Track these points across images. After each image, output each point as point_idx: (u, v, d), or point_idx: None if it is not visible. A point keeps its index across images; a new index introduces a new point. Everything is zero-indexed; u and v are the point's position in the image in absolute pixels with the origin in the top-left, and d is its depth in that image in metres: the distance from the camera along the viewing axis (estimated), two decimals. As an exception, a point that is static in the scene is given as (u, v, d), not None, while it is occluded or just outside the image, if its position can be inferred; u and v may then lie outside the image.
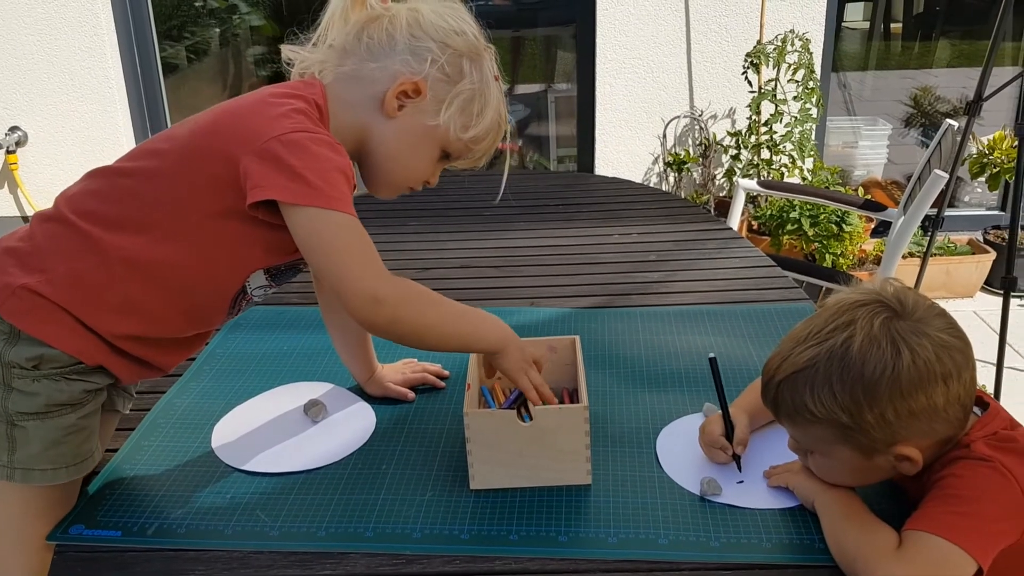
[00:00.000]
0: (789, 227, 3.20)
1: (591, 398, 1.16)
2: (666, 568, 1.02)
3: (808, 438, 1.05)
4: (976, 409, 1.07)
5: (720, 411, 1.20)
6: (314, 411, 1.34)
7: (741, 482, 1.15)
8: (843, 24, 3.99)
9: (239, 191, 1.05)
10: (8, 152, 3.55)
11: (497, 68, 1.18)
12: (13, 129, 3.55)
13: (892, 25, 4.88)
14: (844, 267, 3.22)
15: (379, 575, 1.03)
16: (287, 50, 1.17)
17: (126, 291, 1.09)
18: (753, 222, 3.45)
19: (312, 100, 1.10)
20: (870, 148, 4.15)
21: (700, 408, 1.32)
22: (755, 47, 3.34)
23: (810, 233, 3.17)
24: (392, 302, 1.06)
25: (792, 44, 3.31)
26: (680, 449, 1.23)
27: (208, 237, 1.09)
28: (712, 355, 1.20)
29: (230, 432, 1.31)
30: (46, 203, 3.78)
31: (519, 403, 1.23)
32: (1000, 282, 3.41)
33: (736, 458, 1.18)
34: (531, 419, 1.14)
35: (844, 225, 3.15)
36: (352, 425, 1.32)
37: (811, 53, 3.32)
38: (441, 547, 1.07)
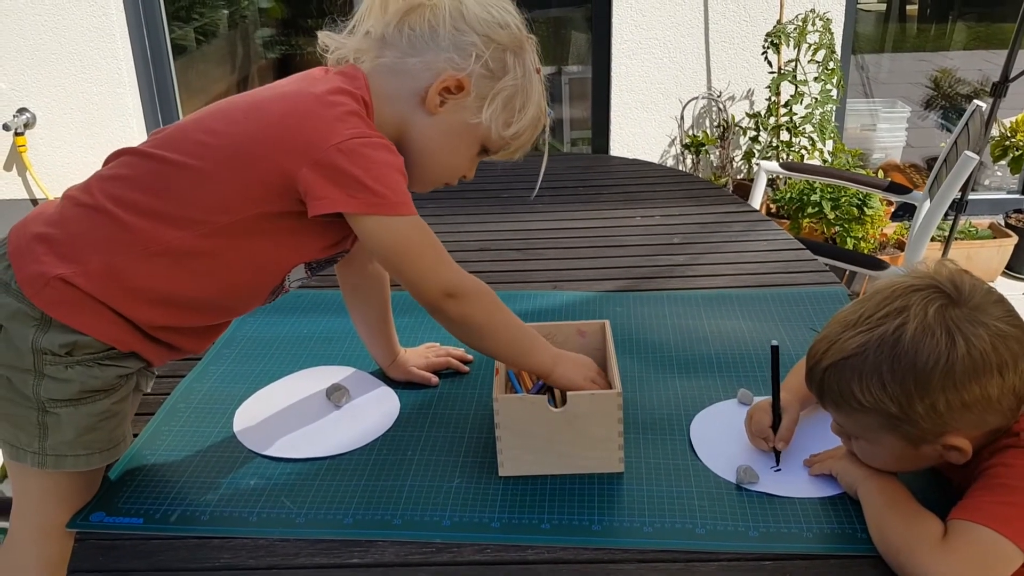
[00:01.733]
0: (810, 210, 3.15)
1: (622, 384, 1.13)
2: (704, 559, 0.99)
3: (853, 425, 1.02)
4: (1025, 396, 1.03)
5: (769, 399, 1.16)
6: (337, 395, 1.31)
7: (778, 470, 1.12)
8: (859, 6, 3.93)
9: (295, 198, 1.03)
10: (16, 134, 3.51)
11: (538, 59, 1.15)
12: (21, 111, 3.52)
13: (908, 7, 4.82)
14: (865, 251, 3.18)
15: (410, 563, 1.01)
16: (324, 36, 1.12)
17: (167, 285, 1.07)
18: (772, 205, 3.41)
19: (360, 96, 1.07)
20: (888, 131, 4.09)
21: (733, 394, 1.28)
22: (775, 27, 3.28)
23: (831, 216, 3.12)
24: (465, 297, 1.08)
25: (813, 24, 3.25)
26: (714, 436, 1.20)
27: (257, 235, 1.07)
28: (775, 343, 1.15)
29: (252, 417, 1.28)
30: (54, 185, 3.75)
31: (549, 388, 1.20)
32: (1022, 266, 3.38)
33: (776, 451, 1.14)
34: (557, 406, 1.11)
35: (866, 208, 3.10)
36: (376, 410, 1.30)
37: (832, 33, 3.26)
38: (471, 535, 1.04)
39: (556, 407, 1.11)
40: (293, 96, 1.07)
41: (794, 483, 1.10)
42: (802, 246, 1.81)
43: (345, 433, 1.24)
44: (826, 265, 1.76)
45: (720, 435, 1.20)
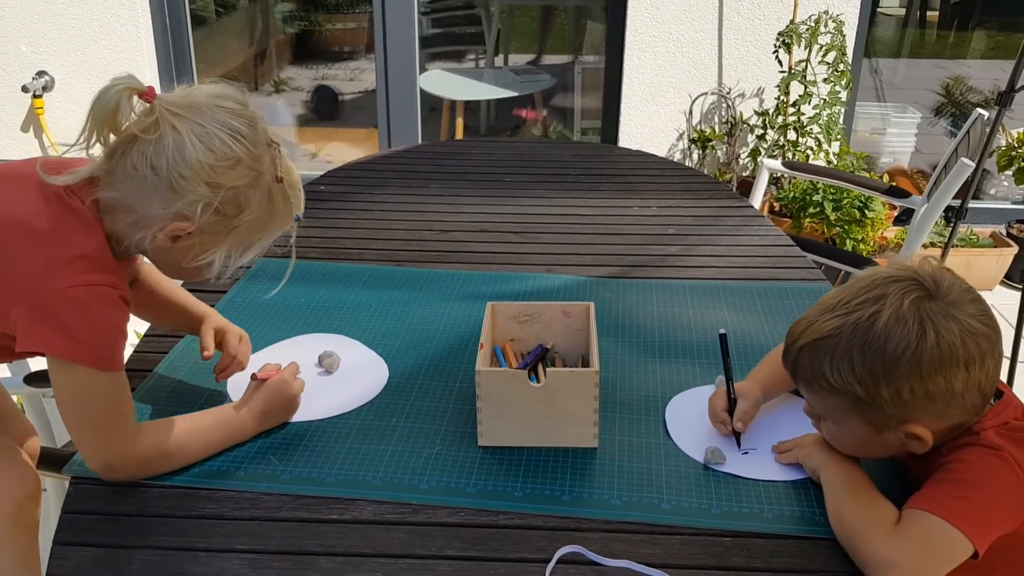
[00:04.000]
0: (811, 210, 3.18)
1: (603, 365, 1.17)
2: (667, 532, 1.04)
3: (822, 405, 1.06)
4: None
5: (725, 387, 1.21)
6: (328, 362, 1.36)
7: (746, 453, 1.16)
8: (879, 10, 3.93)
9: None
10: (35, 96, 3.57)
11: (279, 167, 1.10)
12: (40, 73, 3.57)
13: (928, 13, 4.81)
14: (865, 253, 3.21)
15: (385, 522, 1.06)
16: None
17: None
18: (775, 204, 3.44)
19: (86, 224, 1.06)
20: (898, 136, 4.10)
21: (711, 380, 1.33)
22: (788, 26, 3.30)
23: (832, 217, 3.15)
24: (127, 471, 1.10)
25: (825, 25, 3.27)
26: (688, 419, 1.24)
27: None
28: (722, 331, 1.21)
29: (246, 379, 1.33)
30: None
31: (533, 366, 1.24)
32: (1020, 276, 3.40)
33: (736, 434, 1.18)
34: (538, 381, 1.15)
35: (867, 211, 3.13)
36: (365, 377, 1.34)
37: (843, 36, 3.28)
38: (447, 499, 1.09)
39: (538, 383, 1.16)
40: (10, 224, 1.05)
41: (759, 466, 1.14)
42: (792, 243, 1.85)
43: (334, 398, 1.29)
44: (820, 264, 1.80)
45: (694, 418, 1.24)
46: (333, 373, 1.35)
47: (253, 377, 1.23)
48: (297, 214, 1.15)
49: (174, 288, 1.36)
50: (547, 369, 1.18)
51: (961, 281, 1.02)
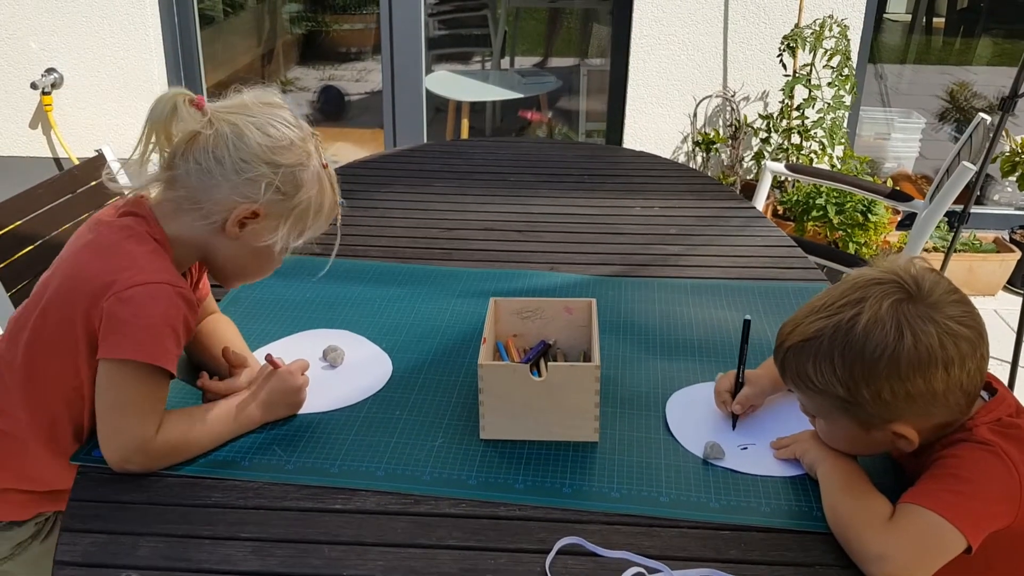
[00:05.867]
0: (815, 213, 3.19)
1: (604, 361, 1.19)
2: (666, 524, 1.05)
3: (812, 404, 1.09)
4: (984, 394, 1.08)
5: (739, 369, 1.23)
6: (333, 356, 1.38)
7: (745, 448, 1.18)
8: (885, 15, 3.94)
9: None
10: (44, 93, 3.59)
11: (323, 155, 1.20)
12: (50, 71, 3.60)
13: (934, 19, 4.82)
14: (868, 257, 3.21)
15: (388, 512, 1.07)
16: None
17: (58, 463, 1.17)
18: (778, 207, 3.45)
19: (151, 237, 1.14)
20: (902, 141, 4.11)
21: (712, 377, 1.34)
22: (792, 30, 3.31)
23: (835, 221, 3.16)
24: (141, 463, 1.12)
25: (830, 29, 3.28)
26: (688, 415, 1.25)
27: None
28: (748, 317, 1.23)
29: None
30: (78, 146, 3.84)
31: (535, 361, 1.26)
32: (1023, 281, 3.41)
33: (733, 416, 1.20)
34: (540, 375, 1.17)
35: (870, 215, 3.14)
36: (369, 371, 1.36)
37: (848, 40, 3.29)
38: (449, 490, 1.10)
39: (540, 378, 1.17)
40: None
41: (757, 462, 1.15)
42: (794, 243, 1.86)
43: (338, 391, 1.31)
44: (822, 266, 1.81)
45: (694, 414, 1.25)
46: (338, 367, 1.37)
47: (268, 358, 1.25)
48: (341, 200, 1.24)
49: (230, 333, 1.37)
50: (548, 364, 1.20)
51: (945, 282, 1.04)
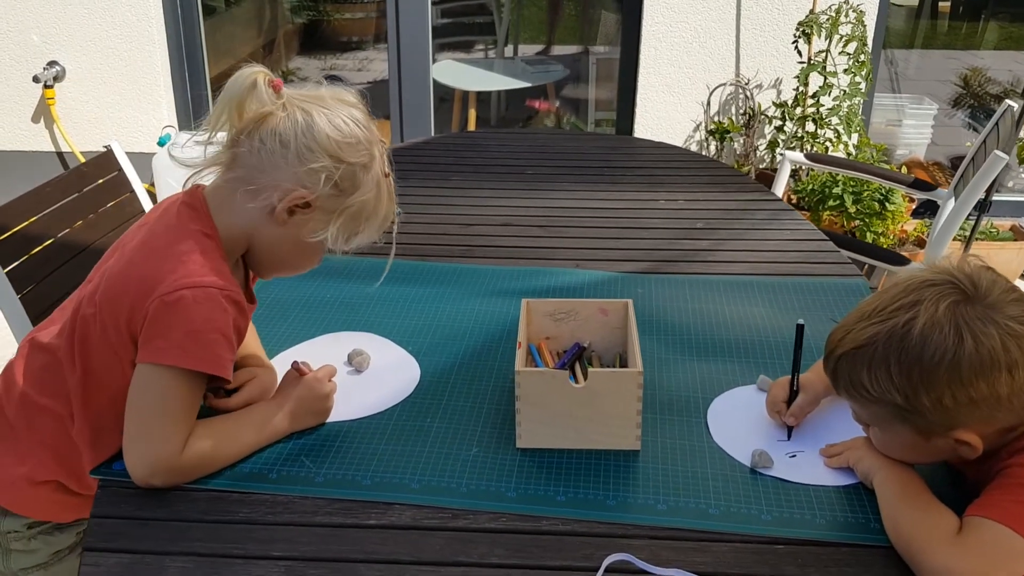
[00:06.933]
0: (831, 203, 3.13)
1: (642, 365, 1.14)
2: (717, 539, 1.00)
3: (866, 413, 1.04)
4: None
5: (790, 376, 1.18)
6: (358, 361, 1.33)
7: (793, 456, 1.13)
8: (891, 1, 3.89)
9: None
10: (46, 86, 3.53)
11: (387, 163, 1.17)
12: (52, 64, 3.53)
13: (940, 4, 4.76)
14: (885, 246, 3.17)
15: (425, 528, 1.02)
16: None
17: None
18: (793, 196, 3.39)
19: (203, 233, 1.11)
20: (914, 127, 4.06)
21: (752, 380, 1.29)
22: (808, 16, 3.25)
23: (852, 210, 3.11)
24: (166, 478, 1.08)
25: (846, 15, 3.22)
26: (731, 420, 1.20)
27: None
28: (800, 321, 1.18)
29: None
30: (81, 139, 3.78)
31: (571, 364, 1.21)
32: (1043, 270, 3.36)
33: (788, 428, 1.16)
34: (578, 382, 1.12)
35: (888, 204, 3.09)
36: (396, 376, 1.31)
37: (864, 26, 3.23)
38: (487, 503, 1.05)
39: (577, 384, 1.12)
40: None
41: (808, 470, 1.11)
42: (825, 237, 1.81)
43: (366, 398, 1.26)
44: (860, 263, 1.76)
45: (737, 420, 1.20)
46: (363, 372, 1.32)
47: (294, 365, 1.21)
48: (398, 210, 1.20)
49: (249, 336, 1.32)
50: (588, 370, 1.15)
51: (1003, 281, 0.99)
